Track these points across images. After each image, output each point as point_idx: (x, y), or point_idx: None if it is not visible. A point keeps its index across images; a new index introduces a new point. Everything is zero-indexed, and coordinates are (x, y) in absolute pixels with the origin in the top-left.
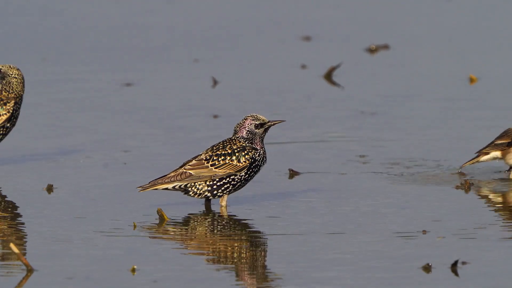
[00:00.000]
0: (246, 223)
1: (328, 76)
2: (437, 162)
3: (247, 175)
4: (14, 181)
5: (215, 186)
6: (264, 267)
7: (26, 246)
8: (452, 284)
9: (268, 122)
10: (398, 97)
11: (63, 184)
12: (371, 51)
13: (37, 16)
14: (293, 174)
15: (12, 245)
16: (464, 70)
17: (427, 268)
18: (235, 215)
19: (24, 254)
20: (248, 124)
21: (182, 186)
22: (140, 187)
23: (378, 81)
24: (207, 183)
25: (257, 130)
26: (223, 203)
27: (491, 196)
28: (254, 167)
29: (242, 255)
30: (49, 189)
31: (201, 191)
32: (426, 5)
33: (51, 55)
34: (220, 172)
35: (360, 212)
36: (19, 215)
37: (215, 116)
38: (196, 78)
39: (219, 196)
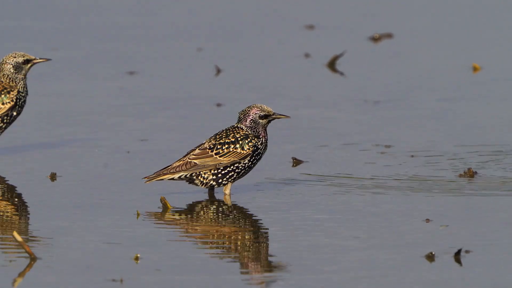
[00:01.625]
0: (250, 211)
1: (332, 65)
2: (440, 151)
3: (250, 163)
4: (18, 169)
5: (220, 175)
6: (268, 255)
7: (29, 234)
8: (456, 272)
9: (273, 114)
10: (401, 86)
11: (66, 173)
12: (375, 39)
13: (41, 5)
14: (296, 162)
15: (15, 234)
16: (467, 59)
17: (430, 257)
18: (238, 203)
19: (27, 242)
20: (252, 114)
21: (187, 176)
22: (145, 177)
23: (381, 70)
24: (212, 171)
25: (260, 121)
26: (227, 191)
27: (495, 185)
28: (256, 155)
29: (246, 243)
30: (53, 177)
31: (206, 180)
32: None
33: (57, 45)
34: (225, 160)
35: (364, 200)
36: (22, 203)
37: (219, 105)
38: (200, 66)
39: (224, 185)
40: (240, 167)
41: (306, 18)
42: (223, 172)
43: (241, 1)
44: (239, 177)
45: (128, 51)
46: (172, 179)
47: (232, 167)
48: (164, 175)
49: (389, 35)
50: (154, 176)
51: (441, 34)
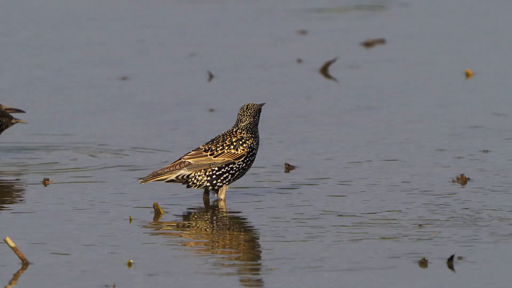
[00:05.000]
0: (243, 217)
1: (324, 70)
2: (432, 157)
3: (244, 164)
4: (11, 173)
5: (214, 176)
6: (261, 260)
7: (21, 239)
8: (449, 279)
9: (259, 106)
10: (393, 92)
11: (59, 178)
12: (367, 45)
13: (33, 9)
14: (289, 168)
15: (7, 239)
16: (460, 65)
17: (423, 263)
18: (231, 209)
19: (20, 247)
20: (253, 112)
21: (184, 177)
22: (141, 178)
23: (374, 75)
24: (207, 173)
25: (257, 118)
26: (222, 196)
27: (487, 190)
28: (251, 156)
29: (239, 248)
30: (45, 182)
31: (200, 182)
32: None
33: (47, 49)
34: (219, 160)
35: (355, 206)
36: (15, 208)
37: (211, 110)
38: (192, 72)
39: (219, 187)
40: (235, 168)
41: (298, 23)
42: (217, 173)
43: (233, 6)
44: (234, 179)
45: (121, 56)
46: (171, 181)
47: (226, 168)
48: (159, 176)
49: (381, 41)
50: (150, 177)
51: (434, 39)
